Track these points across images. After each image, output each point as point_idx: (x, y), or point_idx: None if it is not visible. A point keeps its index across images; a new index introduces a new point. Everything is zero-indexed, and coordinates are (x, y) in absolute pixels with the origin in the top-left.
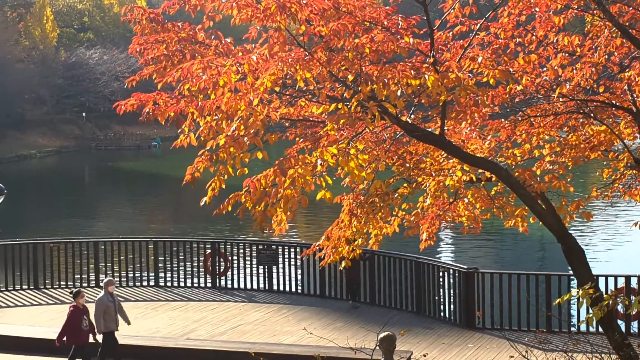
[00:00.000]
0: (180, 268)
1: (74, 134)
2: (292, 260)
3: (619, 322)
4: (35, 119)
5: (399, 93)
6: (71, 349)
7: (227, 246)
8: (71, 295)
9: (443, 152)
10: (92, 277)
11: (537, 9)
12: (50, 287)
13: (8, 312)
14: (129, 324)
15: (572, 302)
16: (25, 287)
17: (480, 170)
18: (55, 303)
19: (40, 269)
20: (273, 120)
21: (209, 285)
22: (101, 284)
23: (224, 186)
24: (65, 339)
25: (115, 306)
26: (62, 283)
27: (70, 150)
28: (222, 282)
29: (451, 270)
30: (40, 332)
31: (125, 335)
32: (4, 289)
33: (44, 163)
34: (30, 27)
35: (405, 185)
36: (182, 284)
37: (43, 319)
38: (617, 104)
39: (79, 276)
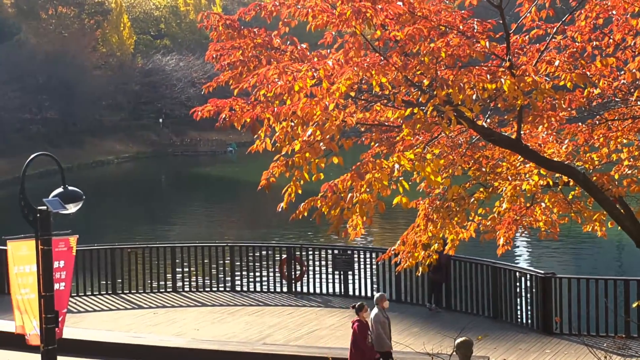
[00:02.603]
0: (257, 273)
1: (151, 140)
2: (368, 265)
3: None
4: (113, 125)
5: (474, 97)
6: None
7: (303, 251)
8: (354, 310)
9: (519, 157)
10: (170, 282)
11: (614, 12)
12: (127, 292)
13: (87, 317)
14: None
15: None
16: (103, 291)
17: (557, 175)
18: (132, 308)
19: (118, 274)
20: (349, 125)
21: (284, 290)
22: (178, 288)
23: (300, 191)
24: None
25: (389, 322)
26: (139, 288)
27: (147, 156)
28: (298, 287)
29: (528, 276)
30: (119, 337)
31: (202, 339)
32: (82, 293)
33: (121, 169)
34: (108, 34)
35: (481, 189)
36: (258, 289)
37: (121, 323)
38: None
39: (156, 281)
